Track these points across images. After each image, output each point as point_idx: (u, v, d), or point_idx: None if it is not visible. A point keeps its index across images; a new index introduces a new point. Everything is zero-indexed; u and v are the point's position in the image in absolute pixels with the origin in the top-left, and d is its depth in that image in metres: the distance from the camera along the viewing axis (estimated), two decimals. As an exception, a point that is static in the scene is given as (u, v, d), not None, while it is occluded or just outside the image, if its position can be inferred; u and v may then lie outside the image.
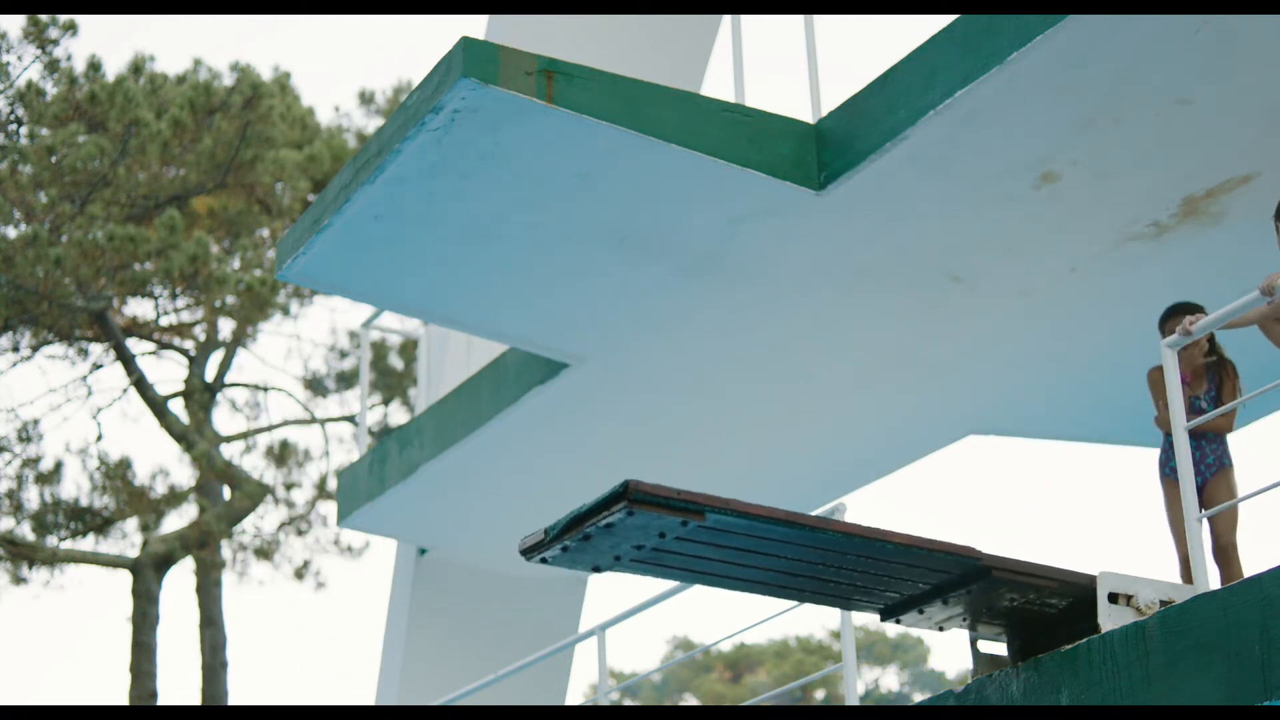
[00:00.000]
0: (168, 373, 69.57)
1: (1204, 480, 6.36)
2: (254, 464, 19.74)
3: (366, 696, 20.09)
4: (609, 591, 44.44)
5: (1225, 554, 6.23)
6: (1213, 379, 6.57)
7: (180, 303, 18.50)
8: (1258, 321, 6.07)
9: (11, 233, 15.98)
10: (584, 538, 4.79)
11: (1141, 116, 6.81)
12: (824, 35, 7.97)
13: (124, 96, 16.10)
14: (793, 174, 7.24)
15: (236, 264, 18.32)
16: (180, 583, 46.36)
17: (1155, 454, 10.68)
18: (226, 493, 19.10)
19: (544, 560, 4.96)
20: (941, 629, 5.80)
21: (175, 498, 18.79)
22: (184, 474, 19.43)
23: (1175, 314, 6.66)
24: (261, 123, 17.45)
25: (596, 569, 5.08)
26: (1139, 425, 10.16)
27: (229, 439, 20.00)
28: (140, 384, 18.64)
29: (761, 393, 9.42)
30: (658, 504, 4.65)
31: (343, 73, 61.13)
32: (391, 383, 21.48)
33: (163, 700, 18.18)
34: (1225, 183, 7.34)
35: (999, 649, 6.03)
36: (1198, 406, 6.48)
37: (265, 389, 21.04)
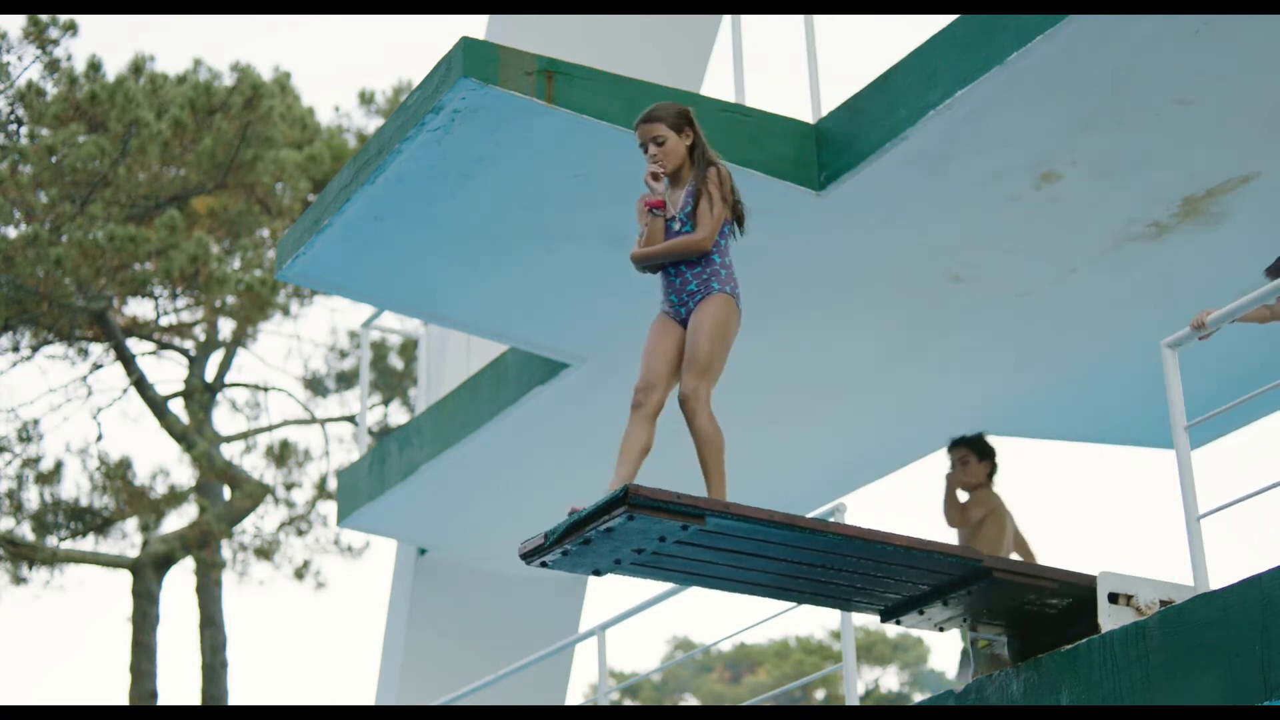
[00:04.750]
0: (168, 373, 69.61)
1: (687, 313, 5.29)
2: (254, 464, 19.74)
3: (366, 696, 20.09)
4: (609, 592, 44.48)
5: (687, 404, 5.24)
6: (691, 193, 5.31)
7: (180, 303, 18.49)
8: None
9: (11, 233, 15.97)
10: (584, 542, 4.79)
11: (1141, 116, 6.81)
12: (824, 35, 7.97)
13: (124, 96, 16.09)
14: (793, 174, 7.24)
15: (236, 264, 18.31)
16: (180, 583, 46.43)
17: (1156, 454, 10.73)
18: (226, 493, 19.10)
19: (544, 564, 4.96)
20: (941, 630, 5.80)
21: (175, 498, 18.77)
22: (184, 474, 19.43)
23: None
24: (261, 123, 17.44)
25: (596, 572, 5.07)
26: (1139, 425, 10.18)
27: (229, 439, 19.99)
28: (140, 384, 18.63)
29: (761, 392, 9.42)
30: (658, 508, 4.65)
31: (343, 73, 61.16)
32: (391, 383, 21.48)
33: (163, 700, 18.19)
34: (1225, 183, 7.33)
35: (999, 649, 6.03)
36: (673, 231, 5.29)
37: (265, 389, 21.04)
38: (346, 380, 21.79)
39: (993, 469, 7.89)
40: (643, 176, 5.35)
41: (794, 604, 5.88)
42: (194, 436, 18.62)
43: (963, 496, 7.90)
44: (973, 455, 7.89)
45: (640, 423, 5.23)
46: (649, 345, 5.30)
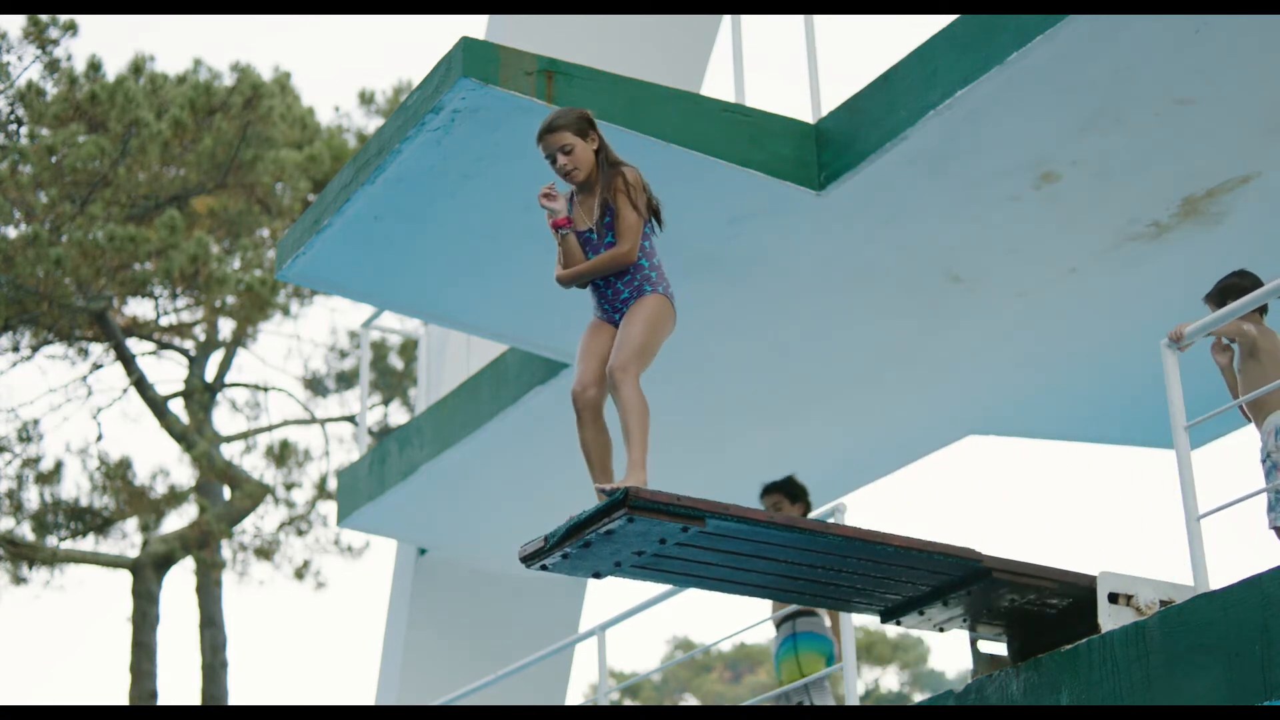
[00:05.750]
0: (168, 373, 69.60)
1: (621, 318, 5.11)
2: (254, 464, 19.73)
3: (366, 696, 20.09)
4: (609, 592, 44.45)
5: (614, 376, 4.93)
6: (604, 201, 5.16)
7: (180, 303, 18.48)
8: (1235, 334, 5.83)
9: (11, 233, 15.96)
10: (584, 545, 4.78)
11: (1141, 116, 6.81)
12: (824, 35, 7.97)
13: (124, 96, 16.09)
14: (793, 174, 7.24)
15: (236, 264, 18.31)
16: (180, 583, 46.42)
17: (1155, 455, 10.73)
18: (226, 493, 19.09)
19: (544, 567, 4.94)
20: (942, 630, 5.80)
21: (175, 498, 18.76)
22: (184, 474, 19.43)
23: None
24: (261, 123, 17.44)
25: (597, 575, 5.06)
26: (1139, 425, 10.18)
27: (229, 439, 19.99)
28: (140, 384, 18.63)
29: (761, 393, 9.42)
30: (658, 510, 4.64)
31: (343, 73, 61.12)
32: (391, 383, 21.48)
33: (163, 700, 18.18)
34: (1225, 183, 7.34)
35: (999, 649, 6.03)
36: (592, 242, 5.18)
37: (265, 389, 21.04)
38: (346, 380, 21.78)
39: (806, 509, 7.90)
40: (536, 196, 5.19)
41: (794, 604, 5.88)
42: (194, 436, 18.62)
43: None
44: (785, 499, 7.90)
45: (590, 425, 5.08)
46: (583, 347, 5.15)
